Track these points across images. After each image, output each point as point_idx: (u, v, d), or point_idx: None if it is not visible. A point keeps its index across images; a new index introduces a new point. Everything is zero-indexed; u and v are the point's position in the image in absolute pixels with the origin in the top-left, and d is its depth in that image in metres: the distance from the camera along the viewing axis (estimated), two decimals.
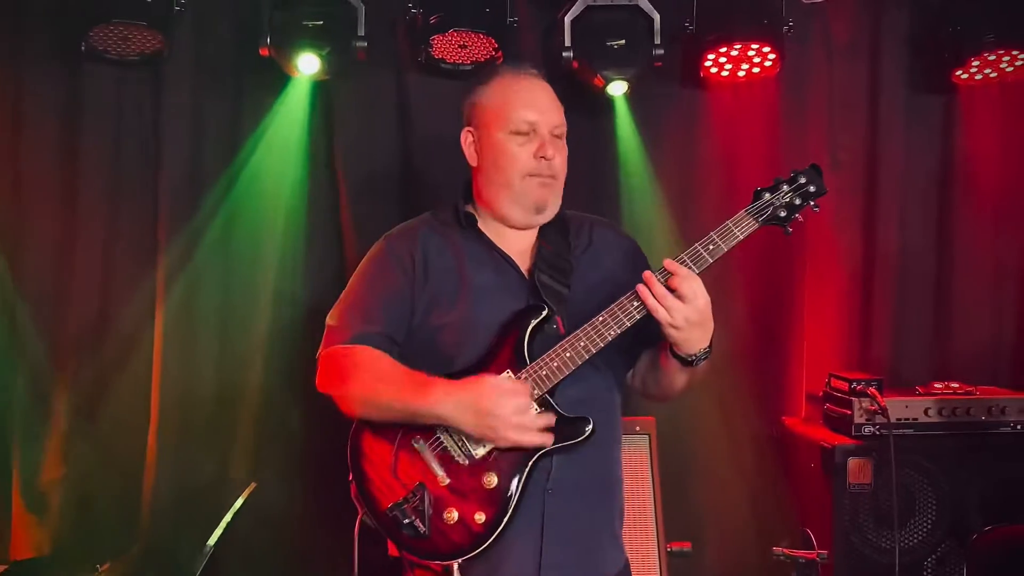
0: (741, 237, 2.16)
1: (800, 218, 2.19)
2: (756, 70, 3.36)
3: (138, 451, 3.32)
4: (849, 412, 3.08)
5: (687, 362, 2.14)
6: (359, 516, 2.33)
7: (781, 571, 2.98)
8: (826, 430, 3.20)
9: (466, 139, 2.38)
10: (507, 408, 2.11)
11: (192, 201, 3.33)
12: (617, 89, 3.31)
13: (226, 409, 3.35)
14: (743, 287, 3.54)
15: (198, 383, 3.36)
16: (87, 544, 3.17)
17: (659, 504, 3.13)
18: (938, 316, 3.57)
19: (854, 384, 3.09)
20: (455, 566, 2.19)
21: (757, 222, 2.19)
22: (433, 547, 2.22)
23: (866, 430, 3.06)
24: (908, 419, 3.07)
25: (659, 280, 2.09)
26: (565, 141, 2.35)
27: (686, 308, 2.07)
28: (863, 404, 3.05)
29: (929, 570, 3.08)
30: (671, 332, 2.08)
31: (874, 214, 3.56)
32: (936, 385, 3.20)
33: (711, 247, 2.14)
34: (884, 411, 2.98)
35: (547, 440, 2.14)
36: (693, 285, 2.09)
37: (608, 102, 3.39)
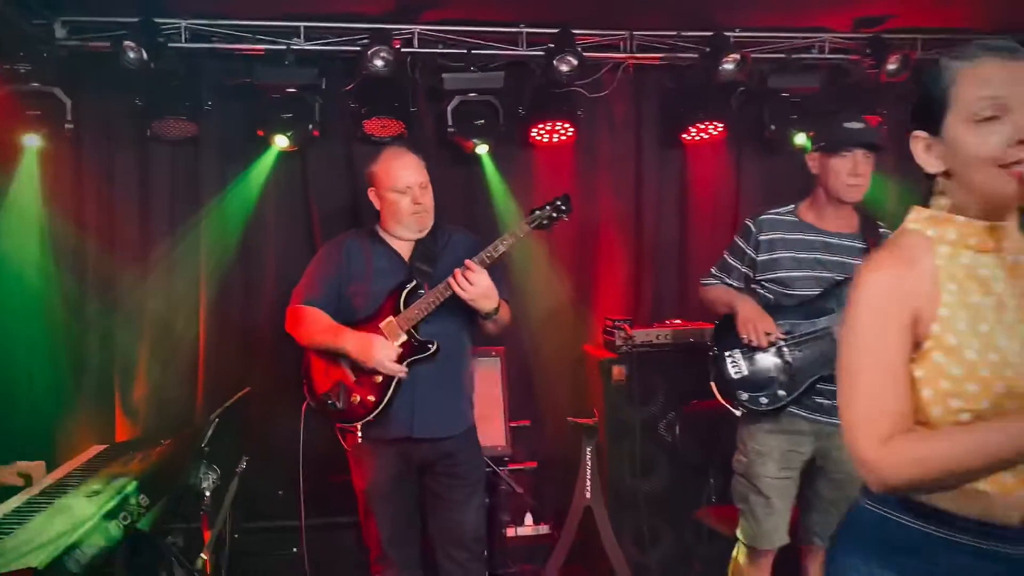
0: (521, 236, 2.62)
1: (558, 221, 2.65)
2: (564, 137, 3.87)
3: (191, 372, 3.67)
4: (613, 338, 3.67)
5: (484, 317, 2.64)
6: (305, 403, 2.73)
7: (579, 433, 3.49)
8: (604, 351, 3.76)
9: (372, 195, 2.77)
10: (380, 352, 2.56)
11: (223, 226, 3.70)
12: (482, 149, 3.81)
13: (245, 341, 3.74)
14: (564, 268, 4.05)
15: (230, 322, 3.70)
16: (161, 430, 3.42)
17: (506, 398, 3.66)
18: (680, 280, 4.11)
19: (616, 322, 3.68)
20: (358, 426, 2.61)
21: (530, 227, 2.64)
22: (347, 416, 2.63)
23: (623, 349, 3.62)
24: (649, 342, 3.66)
25: (462, 272, 2.53)
26: (430, 185, 2.70)
27: (474, 288, 2.54)
28: (620, 334, 3.64)
29: (661, 429, 3.66)
30: (469, 302, 2.56)
31: (641, 221, 4.14)
32: (669, 321, 3.81)
33: (503, 245, 2.58)
34: (631, 338, 3.63)
35: (402, 374, 2.56)
36: (479, 276, 2.53)
37: (478, 158, 3.85)
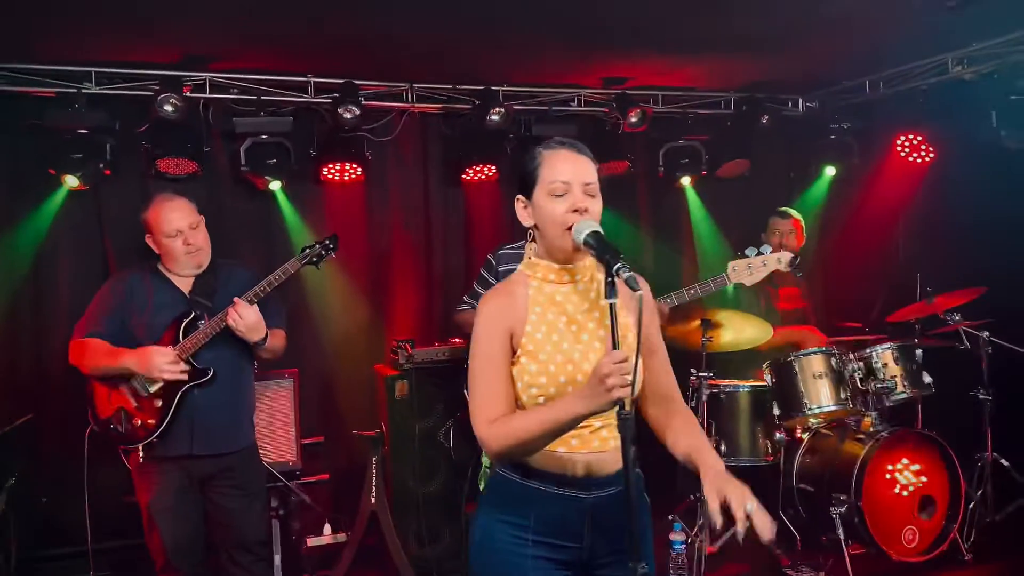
0: (292, 272, 2.88)
1: (327, 258, 2.92)
2: (353, 176, 4.29)
3: None
4: (397, 357, 4.00)
5: (255, 346, 2.90)
6: (89, 427, 2.87)
7: (366, 445, 3.81)
8: (390, 369, 4.07)
9: (148, 240, 2.93)
10: (158, 359, 2.77)
11: (11, 261, 3.80)
12: (275, 186, 4.18)
13: (38, 371, 3.88)
14: (360, 294, 4.44)
15: (20, 354, 3.81)
16: None
17: (297, 416, 3.89)
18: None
19: (400, 342, 4.03)
20: (140, 447, 2.81)
21: (300, 264, 2.91)
22: (128, 438, 2.81)
23: (406, 367, 3.95)
24: (430, 359, 3.99)
25: (232, 307, 2.75)
26: (202, 225, 2.87)
27: (243, 322, 2.80)
28: (403, 353, 3.97)
29: (440, 436, 4.01)
30: (239, 334, 2.81)
31: (430, 251, 4.65)
32: (451, 339, 4.08)
33: (275, 280, 2.82)
34: (412, 356, 3.97)
35: (182, 378, 2.76)
36: (247, 312, 2.78)
37: (272, 193, 4.21)
